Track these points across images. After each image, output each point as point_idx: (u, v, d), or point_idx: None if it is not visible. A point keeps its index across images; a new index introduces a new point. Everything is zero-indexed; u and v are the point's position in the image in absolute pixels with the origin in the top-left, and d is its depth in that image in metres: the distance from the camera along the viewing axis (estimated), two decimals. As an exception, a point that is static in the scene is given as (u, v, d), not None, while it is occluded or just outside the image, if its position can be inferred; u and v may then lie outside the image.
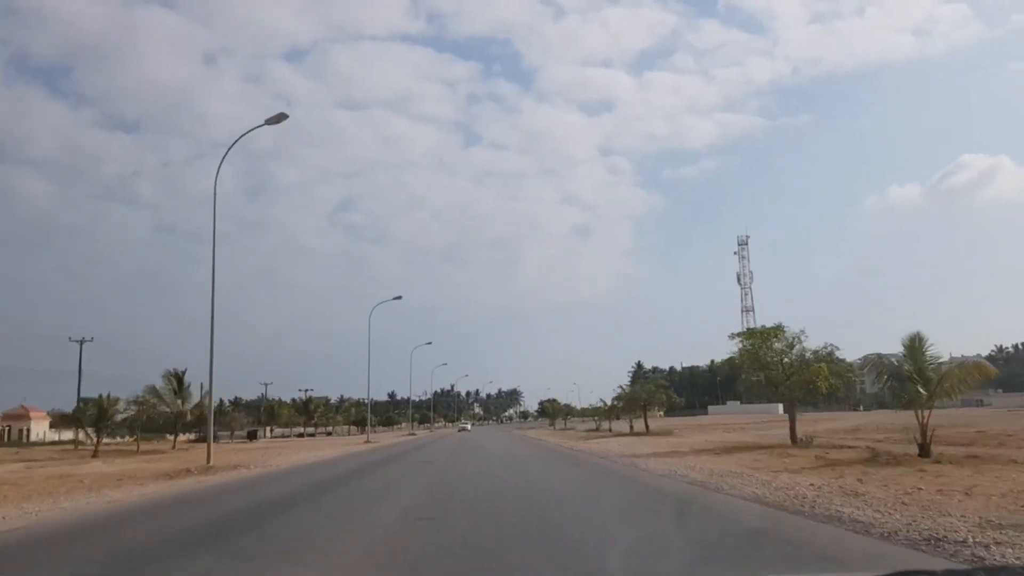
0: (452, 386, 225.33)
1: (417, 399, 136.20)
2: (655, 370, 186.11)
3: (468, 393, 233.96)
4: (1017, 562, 5.14)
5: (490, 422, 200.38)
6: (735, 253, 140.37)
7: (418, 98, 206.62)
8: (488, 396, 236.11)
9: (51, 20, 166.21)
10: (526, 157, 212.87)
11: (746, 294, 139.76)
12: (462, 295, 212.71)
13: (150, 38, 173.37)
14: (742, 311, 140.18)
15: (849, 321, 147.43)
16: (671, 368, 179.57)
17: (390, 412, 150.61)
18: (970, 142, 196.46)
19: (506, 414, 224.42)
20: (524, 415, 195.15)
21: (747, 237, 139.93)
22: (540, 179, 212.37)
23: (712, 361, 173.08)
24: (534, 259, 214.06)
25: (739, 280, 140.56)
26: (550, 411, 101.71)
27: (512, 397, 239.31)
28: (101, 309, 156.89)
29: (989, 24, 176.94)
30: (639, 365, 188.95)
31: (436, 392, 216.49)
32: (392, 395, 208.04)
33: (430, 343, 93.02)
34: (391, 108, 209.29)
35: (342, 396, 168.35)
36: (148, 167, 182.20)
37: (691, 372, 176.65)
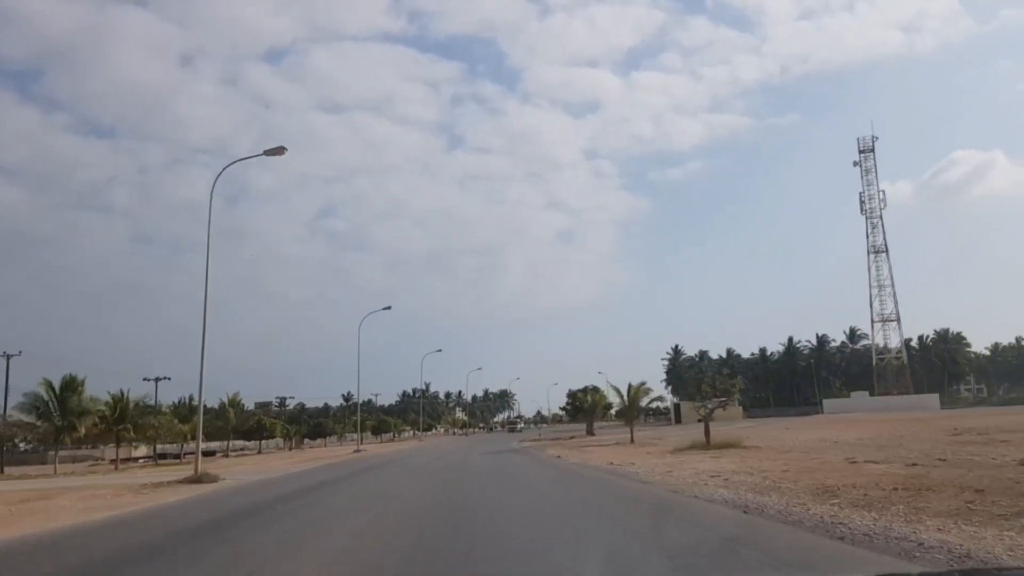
0: (427, 385, 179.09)
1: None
2: (703, 356, 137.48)
3: (448, 394, 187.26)
4: (989, 563, 5.20)
5: (477, 429, 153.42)
6: (855, 164, 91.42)
7: (400, 100, 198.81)
8: (474, 398, 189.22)
9: (19, 21, 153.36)
10: (510, 160, 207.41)
11: (874, 226, 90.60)
12: (446, 303, 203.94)
13: (123, 39, 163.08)
14: (870, 252, 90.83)
15: (841, 319, 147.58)
16: (730, 352, 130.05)
17: (324, 419, 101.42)
18: (962, 138, 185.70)
19: (496, 419, 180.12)
20: (518, 421, 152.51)
21: (873, 139, 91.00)
22: (525, 183, 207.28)
23: (790, 339, 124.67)
24: (519, 265, 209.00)
25: (862, 206, 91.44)
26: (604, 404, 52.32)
27: (503, 400, 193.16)
28: (76, 321, 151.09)
29: (979, 19, 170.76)
30: (676, 351, 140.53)
31: (405, 393, 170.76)
32: (347, 396, 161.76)
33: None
34: (372, 111, 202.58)
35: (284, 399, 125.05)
36: (123, 174, 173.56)
37: (750, 361, 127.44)
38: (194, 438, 56.53)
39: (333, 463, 30.78)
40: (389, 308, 44.12)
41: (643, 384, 39.38)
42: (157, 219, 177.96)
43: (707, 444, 26.61)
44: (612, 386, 39.08)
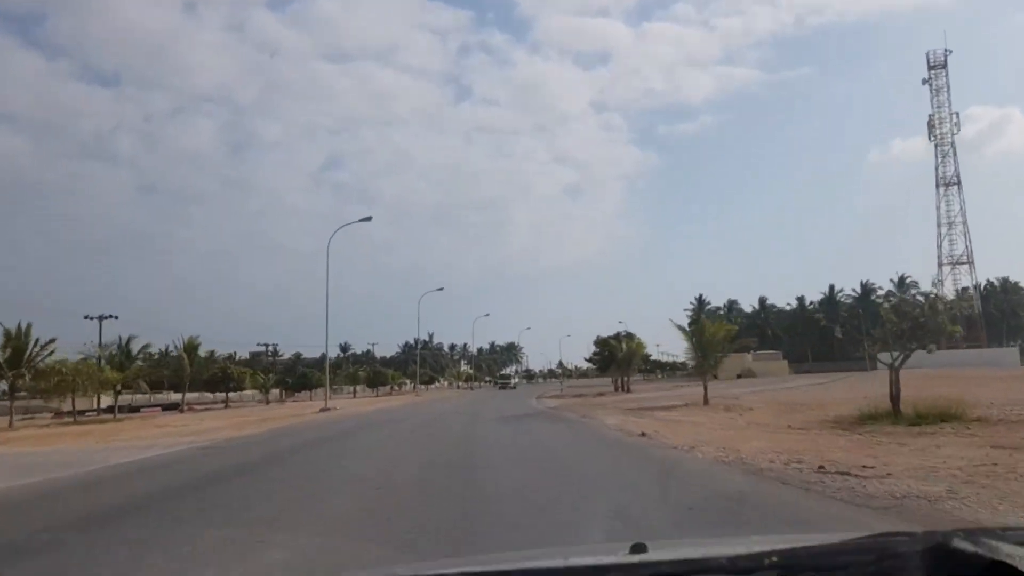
0: (431, 336, 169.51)
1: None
2: (731, 307, 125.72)
3: (453, 346, 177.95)
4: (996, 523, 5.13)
5: (483, 383, 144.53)
6: (924, 82, 78.25)
7: (406, 49, 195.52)
8: (480, 351, 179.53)
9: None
10: (518, 113, 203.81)
11: (945, 155, 77.76)
12: (450, 259, 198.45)
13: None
14: (939, 185, 78.32)
15: (852, 279, 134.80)
16: (763, 301, 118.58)
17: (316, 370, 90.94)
18: (978, 93, 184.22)
19: (502, 372, 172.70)
20: (511, 375, 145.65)
21: (946, 53, 77.54)
22: (532, 136, 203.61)
23: (831, 288, 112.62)
24: (526, 220, 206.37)
25: (931, 131, 78.50)
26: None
27: (510, 353, 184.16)
28: (81, 272, 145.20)
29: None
30: (700, 301, 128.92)
31: (406, 344, 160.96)
32: (344, 347, 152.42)
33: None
34: (379, 60, 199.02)
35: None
36: (128, 122, 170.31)
37: (784, 312, 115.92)
38: (127, 388, 45.82)
39: (258, 433, 19.53)
40: (369, 219, 34.38)
41: (723, 321, 27.58)
42: (162, 168, 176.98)
43: (896, 412, 15.11)
44: (678, 326, 27.61)
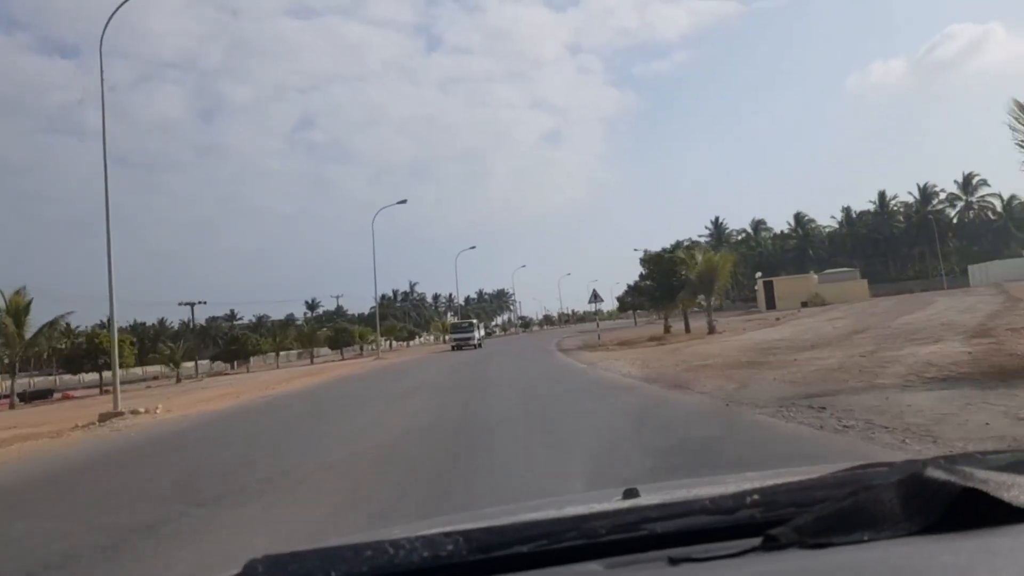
0: (413, 286, 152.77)
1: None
2: (760, 226, 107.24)
3: (436, 296, 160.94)
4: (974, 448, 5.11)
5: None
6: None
7: (372, 0, 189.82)
8: (468, 300, 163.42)
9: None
10: (492, 60, 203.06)
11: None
12: (432, 212, 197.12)
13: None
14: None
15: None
16: (800, 217, 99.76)
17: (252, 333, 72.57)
18: (958, 11, 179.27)
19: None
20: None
21: None
22: (508, 83, 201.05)
23: (881, 195, 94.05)
24: (506, 168, 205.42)
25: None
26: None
27: (500, 301, 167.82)
28: (54, 248, 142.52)
29: None
30: (717, 224, 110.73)
31: (384, 296, 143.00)
32: (313, 304, 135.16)
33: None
34: (344, 13, 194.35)
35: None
36: (93, 94, 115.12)
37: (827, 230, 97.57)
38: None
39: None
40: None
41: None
42: (131, 140, 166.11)
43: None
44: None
